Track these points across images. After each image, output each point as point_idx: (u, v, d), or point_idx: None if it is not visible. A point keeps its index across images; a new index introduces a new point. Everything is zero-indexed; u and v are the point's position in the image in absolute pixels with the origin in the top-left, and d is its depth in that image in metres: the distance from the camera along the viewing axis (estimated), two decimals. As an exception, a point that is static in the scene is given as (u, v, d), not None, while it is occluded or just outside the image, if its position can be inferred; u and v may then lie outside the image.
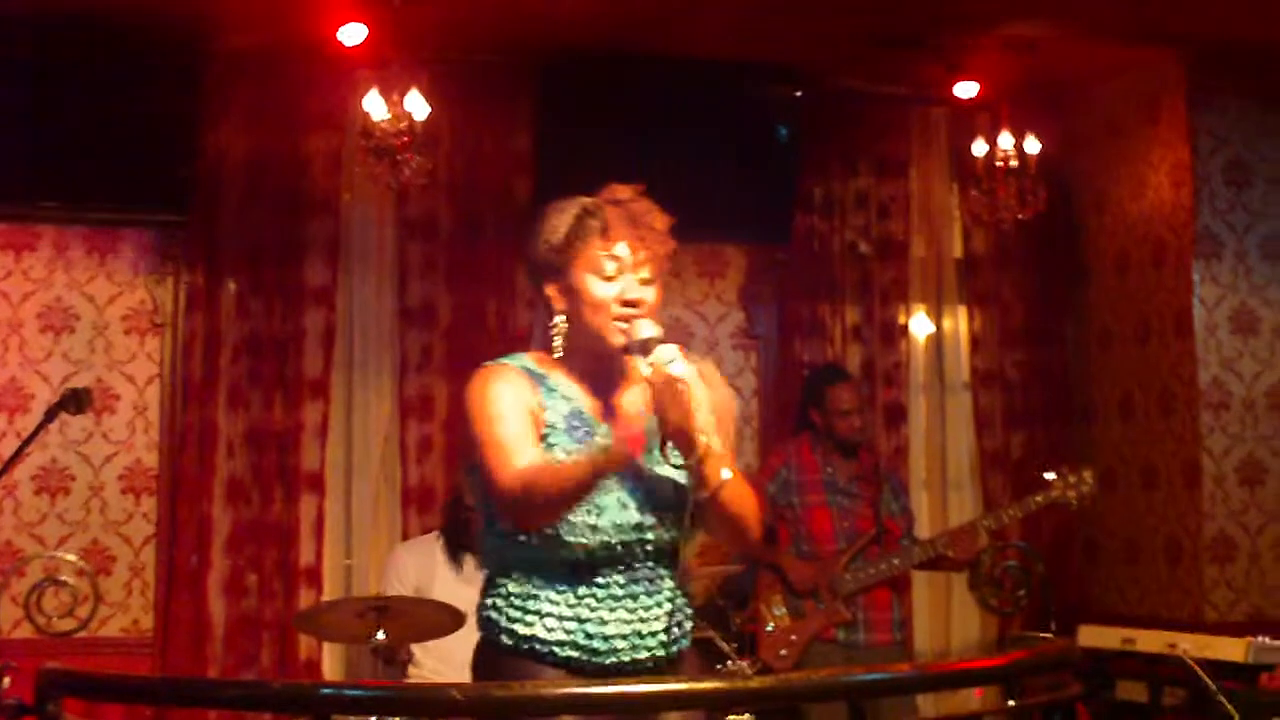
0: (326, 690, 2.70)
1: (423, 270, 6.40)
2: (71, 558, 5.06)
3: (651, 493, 2.96)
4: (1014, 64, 6.23)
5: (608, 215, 2.99)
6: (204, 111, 6.12)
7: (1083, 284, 7.01)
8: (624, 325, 2.95)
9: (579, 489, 2.85)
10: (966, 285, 7.03)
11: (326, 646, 6.12)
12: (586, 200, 3.04)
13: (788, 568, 5.60)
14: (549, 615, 2.90)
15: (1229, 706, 4.79)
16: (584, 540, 2.89)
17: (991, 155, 6.28)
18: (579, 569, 2.91)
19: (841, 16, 6.00)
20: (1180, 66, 6.45)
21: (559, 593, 2.92)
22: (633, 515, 2.93)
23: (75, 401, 5.06)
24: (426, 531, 5.94)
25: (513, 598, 2.94)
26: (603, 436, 2.90)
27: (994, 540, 5.78)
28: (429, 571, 5.43)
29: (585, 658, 2.90)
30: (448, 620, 4.89)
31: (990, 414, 6.93)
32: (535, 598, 2.92)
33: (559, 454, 2.91)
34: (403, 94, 5.59)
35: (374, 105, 5.58)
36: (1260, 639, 5.23)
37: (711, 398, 2.91)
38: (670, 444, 2.90)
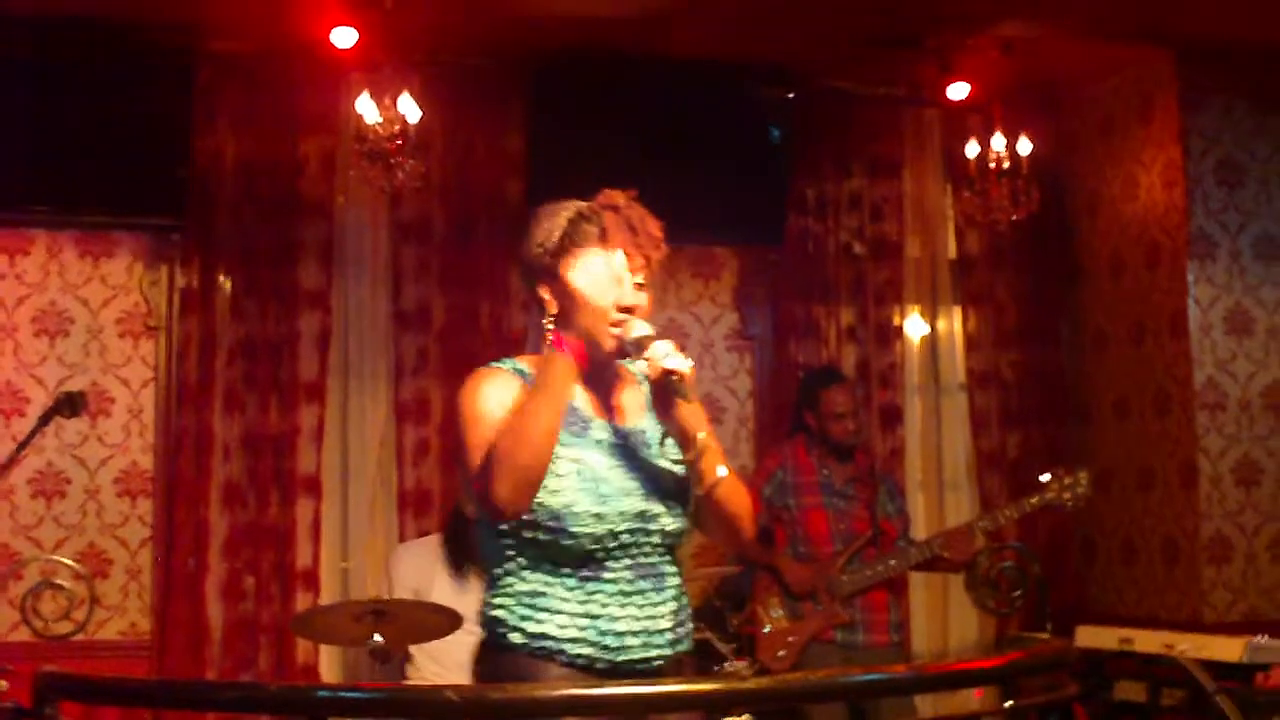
0: (323, 693, 2.69)
1: (417, 273, 6.39)
2: (68, 561, 5.04)
3: (656, 482, 2.99)
4: (1006, 65, 6.25)
5: (604, 220, 3.01)
6: (197, 115, 6.12)
7: (1077, 285, 7.02)
8: (617, 330, 2.97)
9: (537, 417, 2.87)
10: (961, 286, 7.04)
11: (324, 649, 6.12)
12: (582, 204, 3.06)
13: (784, 570, 5.60)
14: (560, 612, 2.90)
15: (1228, 707, 4.79)
16: (591, 529, 2.90)
17: (984, 156, 6.29)
18: (587, 563, 2.92)
19: (833, 18, 6.01)
20: (1172, 66, 6.46)
21: (568, 589, 2.92)
22: (638, 503, 2.95)
23: (70, 405, 5.07)
24: (423, 534, 5.95)
25: (521, 595, 2.93)
26: (598, 429, 2.95)
27: (990, 541, 5.78)
28: (428, 574, 5.43)
29: (596, 654, 2.90)
30: (445, 622, 4.90)
31: (986, 415, 6.93)
32: (544, 595, 2.92)
33: (558, 449, 2.92)
34: (395, 97, 5.59)
35: (366, 108, 5.59)
36: (1257, 639, 5.23)
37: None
38: (670, 439, 2.93)
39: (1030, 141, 6.26)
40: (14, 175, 5.89)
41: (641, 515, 2.95)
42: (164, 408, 6.24)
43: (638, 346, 2.94)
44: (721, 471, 2.97)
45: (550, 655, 2.90)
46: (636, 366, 3.05)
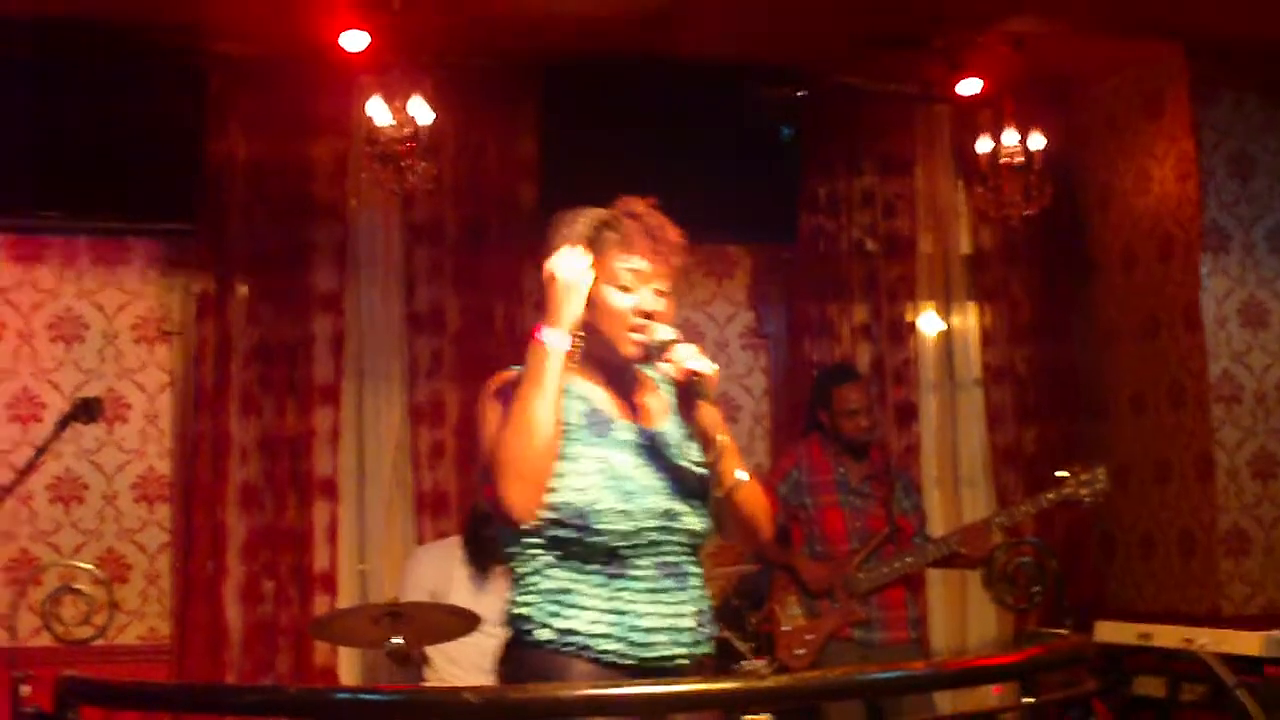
0: (342, 695, 2.70)
1: (430, 275, 6.40)
2: (87, 566, 5.07)
3: (680, 482, 3.02)
4: (1016, 60, 6.24)
5: (626, 228, 3.03)
6: (209, 119, 6.13)
7: (1090, 279, 7.01)
8: (638, 336, 2.99)
9: (525, 410, 2.89)
10: (974, 282, 7.03)
11: (342, 651, 6.13)
12: (603, 212, 3.09)
13: (802, 568, 5.60)
14: (587, 608, 2.92)
15: (1249, 702, 4.78)
16: (617, 526, 2.92)
17: (996, 151, 6.28)
18: (613, 560, 2.93)
19: (843, 16, 6.00)
20: (1183, 60, 6.44)
21: (595, 586, 2.94)
22: (663, 502, 2.98)
23: (87, 411, 5.09)
24: (440, 536, 5.95)
25: (547, 593, 2.95)
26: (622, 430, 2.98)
27: (1008, 537, 5.77)
28: (446, 575, 5.43)
29: (624, 650, 2.91)
30: (462, 624, 4.91)
31: (1002, 410, 6.92)
32: (570, 591, 2.94)
33: (581, 449, 2.94)
34: (406, 100, 5.60)
35: (378, 111, 5.59)
36: (1276, 632, 5.22)
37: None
38: (691, 440, 2.97)
39: (1042, 136, 6.26)
40: (25, 181, 5.89)
41: (667, 514, 2.97)
42: (180, 412, 6.25)
43: (661, 349, 2.97)
44: (742, 475, 3.00)
45: (577, 651, 2.91)
46: (658, 371, 3.07)
